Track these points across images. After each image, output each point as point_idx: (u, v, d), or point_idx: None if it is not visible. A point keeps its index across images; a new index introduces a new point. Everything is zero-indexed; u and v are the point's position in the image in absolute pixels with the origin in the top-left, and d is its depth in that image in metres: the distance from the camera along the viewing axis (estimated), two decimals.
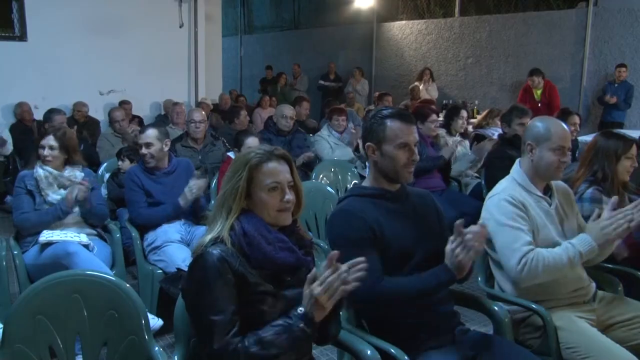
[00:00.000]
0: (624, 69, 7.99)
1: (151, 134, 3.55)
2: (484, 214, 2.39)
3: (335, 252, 1.55)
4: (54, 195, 3.27)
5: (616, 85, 8.07)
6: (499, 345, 2.00)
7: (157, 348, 1.89)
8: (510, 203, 2.28)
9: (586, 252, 2.18)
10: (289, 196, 1.71)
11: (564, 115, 4.89)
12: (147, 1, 7.59)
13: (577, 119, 4.97)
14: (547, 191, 2.42)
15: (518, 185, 2.38)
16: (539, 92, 8.01)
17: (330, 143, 5.30)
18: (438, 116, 4.91)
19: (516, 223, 2.24)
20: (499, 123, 5.45)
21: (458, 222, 1.83)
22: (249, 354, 1.53)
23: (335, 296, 1.54)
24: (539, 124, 2.39)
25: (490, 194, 2.43)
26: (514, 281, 2.28)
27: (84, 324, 1.92)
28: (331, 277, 1.53)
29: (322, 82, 11.00)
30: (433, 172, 4.53)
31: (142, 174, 3.56)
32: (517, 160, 2.46)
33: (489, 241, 2.35)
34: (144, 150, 3.54)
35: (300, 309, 1.57)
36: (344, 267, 1.54)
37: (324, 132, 5.47)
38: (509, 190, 2.35)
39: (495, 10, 9.90)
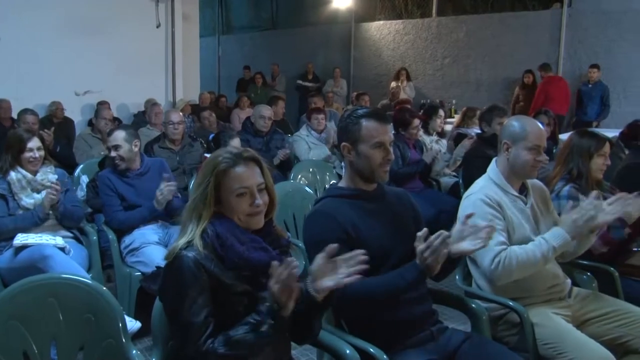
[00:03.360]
0: (595, 69, 8.14)
1: (118, 135, 3.52)
2: (460, 213, 2.40)
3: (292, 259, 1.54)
4: (28, 200, 3.22)
5: (590, 85, 8.22)
6: (477, 342, 2.02)
7: (134, 351, 1.86)
8: (486, 203, 2.29)
9: (559, 246, 2.20)
10: (259, 200, 1.68)
11: (540, 115, 4.94)
12: (123, 1, 7.50)
13: (547, 119, 4.98)
14: (523, 190, 2.45)
15: (494, 184, 2.39)
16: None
17: (309, 143, 5.30)
18: (420, 120, 4.90)
19: (491, 223, 2.25)
20: (477, 122, 5.51)
21: (420, 233, 1.83)
22: (218, 354, 1.53)
23: (292, 296, 1.52)
24: (515, 123, 2.41)
25: (466, 193, 2.45)
26: (489, 280, 2.31)
27: (60, 328, 1.89)
28: (283, 275, 1.51)
29: (300, 82, 10.99)
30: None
31: (114, 177, 3.52)
32: (494, 159, 2.48)
33: None
34: (112, 153, 3.52)
35: (267, 304, 1.56)
36: (340, 259, 1.54)
37: (303, 132, 5.47)
38: (485, 189, 2.36)
39: (472, 10, 10.00)
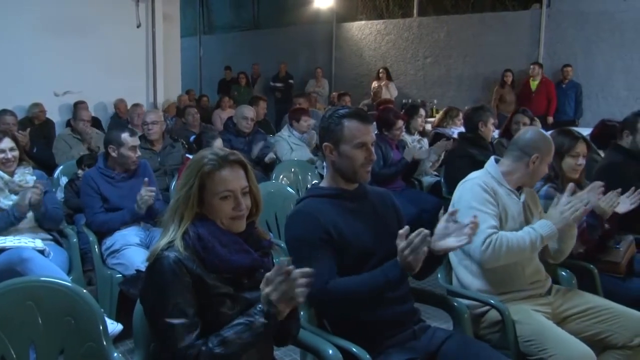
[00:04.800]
0: (570, 68, 8.27)
1: (138, 140, 3.59)
2: (455, 196, 2.46)
3: (284, 261, 1.53)
4: (5, 201, 3.16)
5: (564, 86, 8.33)
6: (459, 340, 2.03)
7: (116, 354, 1.84)
8: (482, 188, 2.35)
9: (547, 235, 2.26)
10: (243, 204, 1.67)
11: (518, 114, 4.90)
12: (103, 1, 7.43)
13: (527, 119, 4.94)
14: (518, 188, 2.50)
15: (491, 177, 2.44)
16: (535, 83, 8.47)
17: (290, 144, 5.28)
18: (404, 121, 4.91)
19: (485, 207, 2.31)
20: (458, 123, 5.53)
21: (401, 231, 1.83)
22: (214, 355, 1.52)
23: (291, 302, 1.53)
24: (540, 137, 2.46)
25: (463, 180, 2.50)
26: (478, 263, 2.33)
27: (39, 332, 1.87)
28: (284, 285, 1.50)
29: (272, 83, 10.98)
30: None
31: (99, 178, 3.47)
32: (492, 158, 2.52)
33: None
34: (137, 153, 3.54)
35: (260, 306, 1.55)
36: (296, 272, 1.52)
37: (284, 132, 5.43)
38: (483, 177, 2.42)
39: (452, 10, 10.07)
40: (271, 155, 5.03)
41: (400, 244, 1.82)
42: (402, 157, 4.54)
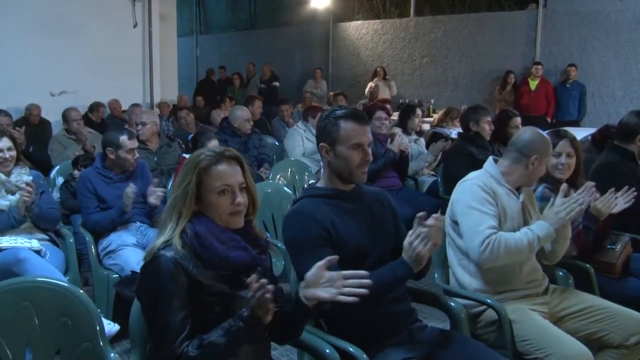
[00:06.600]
0: (574, 68, 8.27)
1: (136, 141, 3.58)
2: (454, 196, 2.47)
3: (263, 281, 1.52)
4: (2, 201, 3.15)
5: (568, 85, 8.32)
6: (456, 340, 2.03)
7: (112, 354, 1.84)
8: (482, 188, 2.35)
9: (544, 236, 2.28)
10: (240, 199, 1.68)
11: (508, 117, 4.78)
12: (100, 0, 7.41)
13: (519, 121, 4.82)
14: (517, 187, 2.50)
15: (490, 176, 2.45)
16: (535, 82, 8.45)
17: (303, 138, 5.28)
18: (388, 113, 4.86)
19: (484, 207, 2.31)
20: (457, 124, 5.52)
21: (420, 214, 1.84)
22: (189, 357, 1.52)
23: (269, 312, 1.53)
24: (538, 137, 2.45)
25: (462, 180, 2.50)
26: (476, 263, 2.34)
27: (35, 332, 1.86)
28: (259, 293, 1.49)
29: (261, 85, 10.94)
30: (389, 171, 4.54)
31: (96, 179, 3.47)
32: (491, 158, 2.53)
33: (455, 224, 2.42)
34: (135, 155, 3.53)
35: (244, 311, 1.55)
36: (339, 273, 1.54)
37: (300, 125, 5.44)
38: (482, 178, 2.43)
39: (449, 10, 10.09)
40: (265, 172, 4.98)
41: (408, 238, 1.84)
42: (388, 149, 4.49)
